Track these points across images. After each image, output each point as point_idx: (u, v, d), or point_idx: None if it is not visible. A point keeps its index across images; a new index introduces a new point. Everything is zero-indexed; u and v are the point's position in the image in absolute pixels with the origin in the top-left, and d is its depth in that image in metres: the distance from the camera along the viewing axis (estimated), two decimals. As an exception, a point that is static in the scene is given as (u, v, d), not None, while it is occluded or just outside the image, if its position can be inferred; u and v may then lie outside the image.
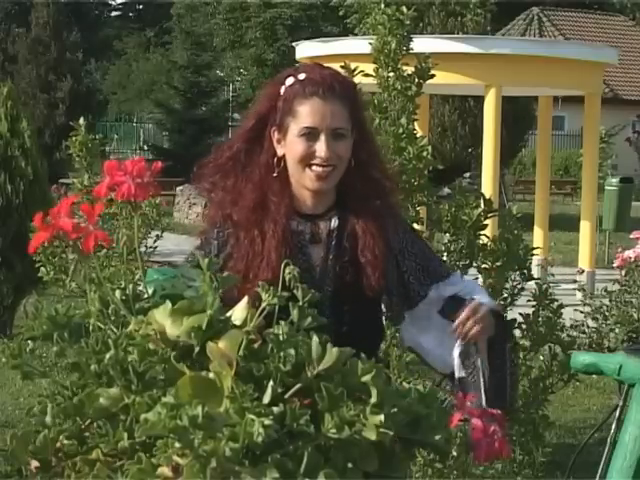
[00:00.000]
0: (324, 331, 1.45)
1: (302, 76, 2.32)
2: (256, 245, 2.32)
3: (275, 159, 2.35)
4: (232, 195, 2.38)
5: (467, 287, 2.46)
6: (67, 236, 1.52)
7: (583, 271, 11.40)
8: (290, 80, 2.33)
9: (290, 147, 2.32)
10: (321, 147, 2.28)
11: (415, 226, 3.60)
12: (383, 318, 2.48)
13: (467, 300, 2.34)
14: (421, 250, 2.44)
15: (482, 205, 3.99)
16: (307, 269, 2.28)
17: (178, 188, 20.29)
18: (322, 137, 2.28)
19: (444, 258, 3.99)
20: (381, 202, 2.41)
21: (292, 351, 1.40)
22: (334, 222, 2.37)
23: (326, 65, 2.46)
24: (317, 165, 2.29)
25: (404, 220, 2.58)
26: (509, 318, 4.16)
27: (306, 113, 2.28)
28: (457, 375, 2.39)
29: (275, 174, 2.35)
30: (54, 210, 1.53)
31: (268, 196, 2.35)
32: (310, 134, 2.29)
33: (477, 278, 4.18)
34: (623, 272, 8.14)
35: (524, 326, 4.18)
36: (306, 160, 2.30)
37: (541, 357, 4.34)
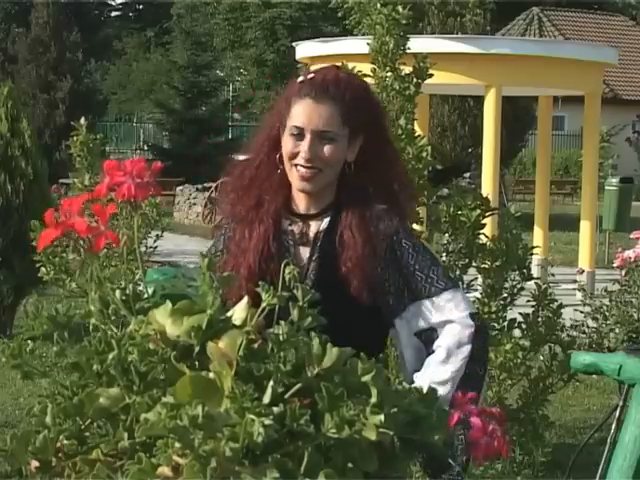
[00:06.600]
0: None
1: (309, 76, 2.36)
2: (243, 242, 2.38)
3: (278, 156, 2.38)
4: (242, 192, 2.43)
5: (443, 320, 2.30)
6: (77, 235, 1.52)
7: (583, 271, 11.39)
8: (299, 79, 2.37)
9: (283, 145, 2.36)
10: (304, 147, 2.31)
11: (414, 226, 3.59)
12: (379, 329, 2.38)
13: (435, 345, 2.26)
14: (411, 263, 2.32)
15: (481, 205, 3.98)
16: None
17: (178, 188, 20.27)
18: (307, 138, 2.31)
19: (443, 258, 3.99)
20: (388, 207, 2.37)
21: (292, 351, 1.40)
22: (324, 224, 2.37)
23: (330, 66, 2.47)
24: (301, 165, 2.32)
25: (406, 229, 2.42)
26: (509, 318, 4.18)
27: (297, 113, 2.32)
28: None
29: (279, 171, 2.38)
30: (64, 209, 1.53)
31: (266, 194, 2.39)
32: (298, 134, 2.32)
33: (476, 278, 4.18)
34: (623, 272, 8.13)
35: (524, 326, 4.17)
36: (292, 159, 2.33)
37: (541, 357, 4.34)
